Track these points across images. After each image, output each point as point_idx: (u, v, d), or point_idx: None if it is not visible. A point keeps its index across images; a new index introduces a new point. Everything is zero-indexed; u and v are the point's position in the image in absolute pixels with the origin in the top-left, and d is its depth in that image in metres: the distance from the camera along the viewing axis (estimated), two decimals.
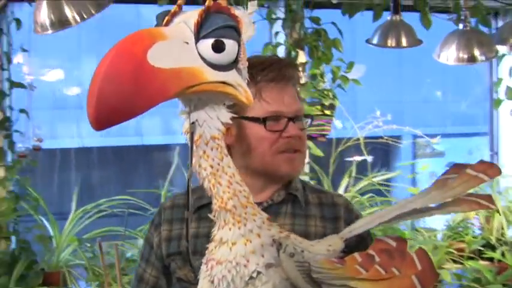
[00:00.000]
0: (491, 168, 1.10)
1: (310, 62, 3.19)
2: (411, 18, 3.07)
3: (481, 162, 1.11)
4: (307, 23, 3.18)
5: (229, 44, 0.93)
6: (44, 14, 2.10)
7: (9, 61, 2.96)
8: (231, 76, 0.96)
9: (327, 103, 3.13)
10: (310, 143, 3.18)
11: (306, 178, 3.29)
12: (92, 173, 5.95)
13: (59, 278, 2.88)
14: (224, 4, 0.93)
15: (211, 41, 0.92)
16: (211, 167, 1.00)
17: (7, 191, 2.88)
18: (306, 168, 3.34)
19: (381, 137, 3.37)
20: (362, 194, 3.35)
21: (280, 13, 3.21)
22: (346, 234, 1.13)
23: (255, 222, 1.01)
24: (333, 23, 3.14)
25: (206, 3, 0.92)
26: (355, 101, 4.81)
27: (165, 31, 0.92)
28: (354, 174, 3.39)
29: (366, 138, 3.36)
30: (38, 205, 3.01)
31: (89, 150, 5.69)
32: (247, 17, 0.98)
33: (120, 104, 0.86)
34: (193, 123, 0.98)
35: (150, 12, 3.11)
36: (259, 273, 0.99)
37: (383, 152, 3.59)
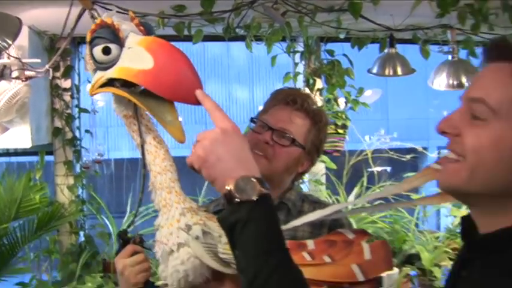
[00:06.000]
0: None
1: (325, 88, 3.72)
2: (408, 50, 3.55)
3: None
4: (323, 55, 3.70)
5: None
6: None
7: (78, 91, 3.53)
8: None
9: (339, 123, 3.66)
10: (324, 158, 3.70)
11: (322, 187, 3.82)
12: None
13: (115, 266, 3.47)
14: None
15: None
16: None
17: (75, 195, 3.49)
18: (323, 179, 3.86)
19: (387, 151, 3.84)
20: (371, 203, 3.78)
21: (299, 47, 3.75)
22: (295, 222, 1.22)
23: (176, 209, 1.16)
24: (345, 55, 3.66)
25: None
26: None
27: None
28: (365, 184, 3.88)
29: (374, 152, 3.85)
30: (100, 207, 3.68)
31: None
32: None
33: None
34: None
35: None
36: (172, 251, 1.14)
37: (401, 165, 4.04)
